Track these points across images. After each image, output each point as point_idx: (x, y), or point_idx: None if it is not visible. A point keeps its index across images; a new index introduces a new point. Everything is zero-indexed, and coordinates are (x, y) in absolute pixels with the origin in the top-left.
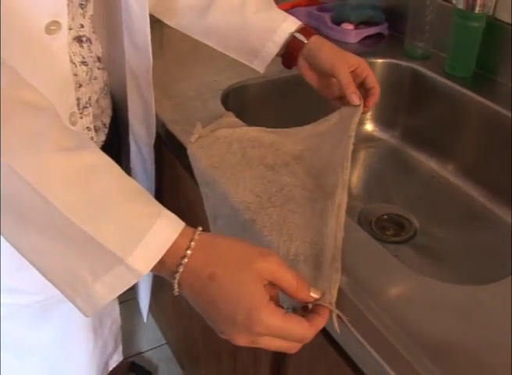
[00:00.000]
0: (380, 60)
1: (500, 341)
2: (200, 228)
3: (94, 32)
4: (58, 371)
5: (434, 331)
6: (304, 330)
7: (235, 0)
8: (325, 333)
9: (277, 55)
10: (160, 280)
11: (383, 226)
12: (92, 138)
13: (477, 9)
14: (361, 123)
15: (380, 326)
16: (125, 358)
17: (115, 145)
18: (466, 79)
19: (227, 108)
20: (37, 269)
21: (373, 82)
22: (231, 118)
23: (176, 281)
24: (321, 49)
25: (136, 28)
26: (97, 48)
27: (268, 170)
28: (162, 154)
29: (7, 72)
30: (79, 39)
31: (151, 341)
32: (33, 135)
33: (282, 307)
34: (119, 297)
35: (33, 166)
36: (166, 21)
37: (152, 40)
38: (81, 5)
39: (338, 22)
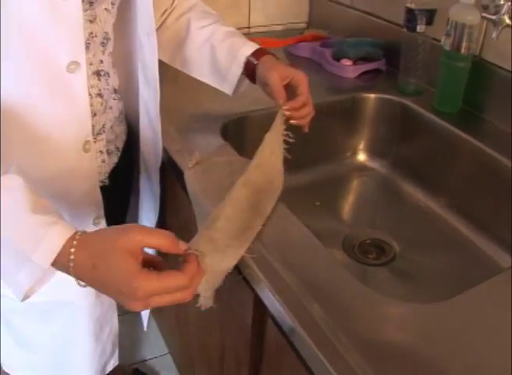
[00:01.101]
0: (373, 95)
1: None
2: (81, 230)
3: (113, 66)
4: (60, 368)
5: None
6: (179, 280)
7: (205, 32)
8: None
9: (243, 75)
10: None
11: (366, 249)
12: (104, 160)
13: (462, 51)
14: (354, 153)
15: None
16: (129, 365)
17: (127, 166)
18: (453, 115)
19: (226, 138)
20: None
21: (302, 90)
22: (225, 147)
23: (72, 275)
24: (264, 65)
25: (148, 65)
26: (115, 81)
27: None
28: (165, 176)
29: None
30: (98, 73)
31: (155, 349)
32: None
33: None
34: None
35: None
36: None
37: (168, 70)
38: (102, 44)
39: (338, 58)
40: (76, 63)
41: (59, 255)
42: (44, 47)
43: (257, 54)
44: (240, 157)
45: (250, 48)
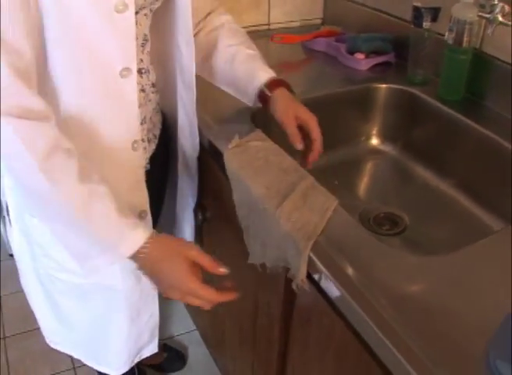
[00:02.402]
0: (384, 85)
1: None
2: (155, 232)
3: (151, 63)
4: (96, 345)
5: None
6: (212, 296)
7: (230, 51)
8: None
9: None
10: None
11: (380, 222)
12: (145, 148)
13: (464, 44)
14: (368, 138)
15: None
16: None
17: (164, 154)
18: (456, 102)
19: (255, 125)
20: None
21: (315, 136)
22: (259, 133)
23: (138, 263)
24: (278, 102)
25: (185, 69)
26: (153, 76)
27: (281, 172)
28: (204, 159)
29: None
30: (139, 71)
31: (182, 326)
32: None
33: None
34: None
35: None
36: None
37: None
38: (142, 44)
39: (352, 51)
40: (128, 69)
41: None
42: (102, 57)
43: (273, 84)
44: (271, 142)
45: (266, 74)
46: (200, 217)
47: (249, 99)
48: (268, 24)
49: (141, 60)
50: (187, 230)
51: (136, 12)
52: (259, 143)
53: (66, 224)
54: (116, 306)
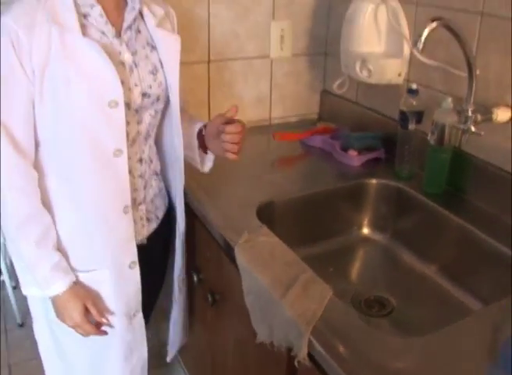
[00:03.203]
0: (374, 181)
1: None
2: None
3: (156, 153)
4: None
5: None
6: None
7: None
8: None
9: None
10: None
11: (370, 304)
12: (143, 226)
13: (445, 144)
14: (359, 227)
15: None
16: None
17: (167, 231)
18: (438, 195)
19: (261, 220)
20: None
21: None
22: (265, 229)
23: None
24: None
25: (178, 156)
26: (156, 166)
27: (285, 265)
28: (215, 250)
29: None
30: (140, 160)
31: None
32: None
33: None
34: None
35: None
36: None
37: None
38: (145, 138)
39: (345, 148)
40: (120, 150)
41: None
42: (98, 138)
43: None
44: (276, 238)
45: (199, 124)
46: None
47: (195, 155)
48: (269, 119)
49: (143, 151)
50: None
51: (137, 110)
52: (265, 238)
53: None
54: (112, 344)
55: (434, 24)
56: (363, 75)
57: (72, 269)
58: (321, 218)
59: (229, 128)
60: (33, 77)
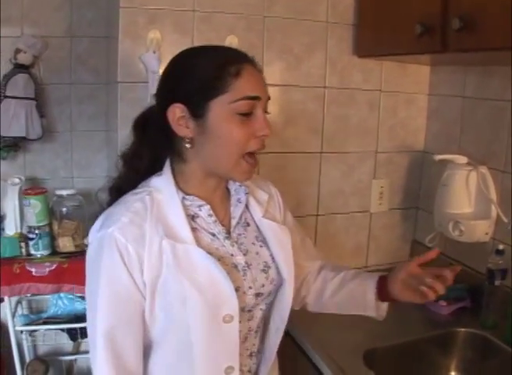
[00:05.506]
0: (463, 329)
1: None
2: None
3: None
4: None
5: None
6: None
7: (336, 280)
8: None
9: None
10: None
11: None
12: None
13: None
14: (447, 370)
15: None
16: None
17: None
18: None
19: (367, 366)
20: None
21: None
22: None
23: None
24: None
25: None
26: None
27: None
28: None
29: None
30: (250, 355)
31: None
32: None
33: None
34: None
35: None
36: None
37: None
38: (255, 331)
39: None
40: (232, 367)
41: None
42: (208, 354)
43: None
44: None
45: (375, 277)
46: None
47: (370, 308)
48: (365, 267)
49: (253, 344)
50: None
51: (249, 310)
52: None
53: None
54: None
55: None
56: (455, 234)
57: None
58: (414, 362)
59: (445, 273)
60: (145, 291)
